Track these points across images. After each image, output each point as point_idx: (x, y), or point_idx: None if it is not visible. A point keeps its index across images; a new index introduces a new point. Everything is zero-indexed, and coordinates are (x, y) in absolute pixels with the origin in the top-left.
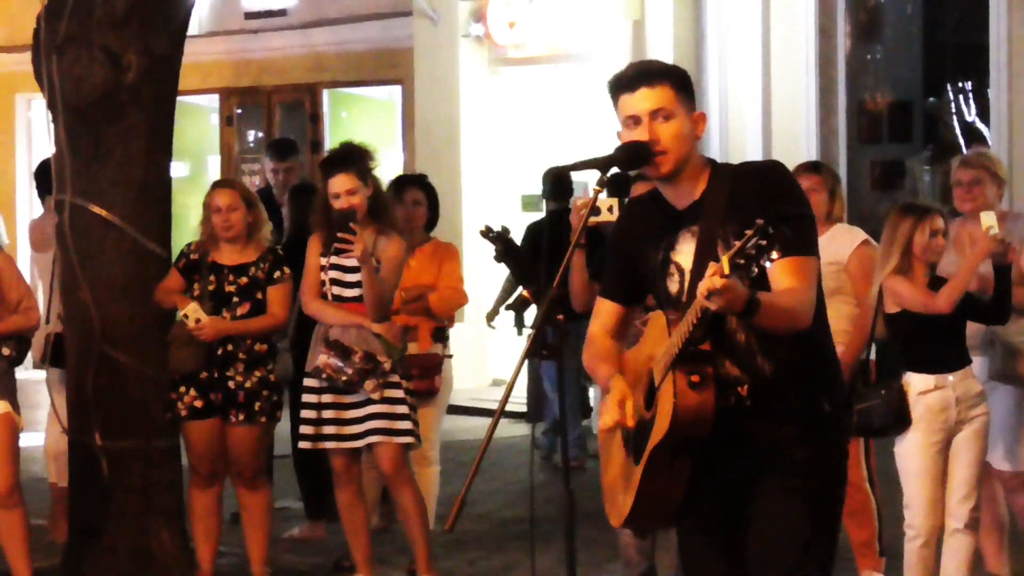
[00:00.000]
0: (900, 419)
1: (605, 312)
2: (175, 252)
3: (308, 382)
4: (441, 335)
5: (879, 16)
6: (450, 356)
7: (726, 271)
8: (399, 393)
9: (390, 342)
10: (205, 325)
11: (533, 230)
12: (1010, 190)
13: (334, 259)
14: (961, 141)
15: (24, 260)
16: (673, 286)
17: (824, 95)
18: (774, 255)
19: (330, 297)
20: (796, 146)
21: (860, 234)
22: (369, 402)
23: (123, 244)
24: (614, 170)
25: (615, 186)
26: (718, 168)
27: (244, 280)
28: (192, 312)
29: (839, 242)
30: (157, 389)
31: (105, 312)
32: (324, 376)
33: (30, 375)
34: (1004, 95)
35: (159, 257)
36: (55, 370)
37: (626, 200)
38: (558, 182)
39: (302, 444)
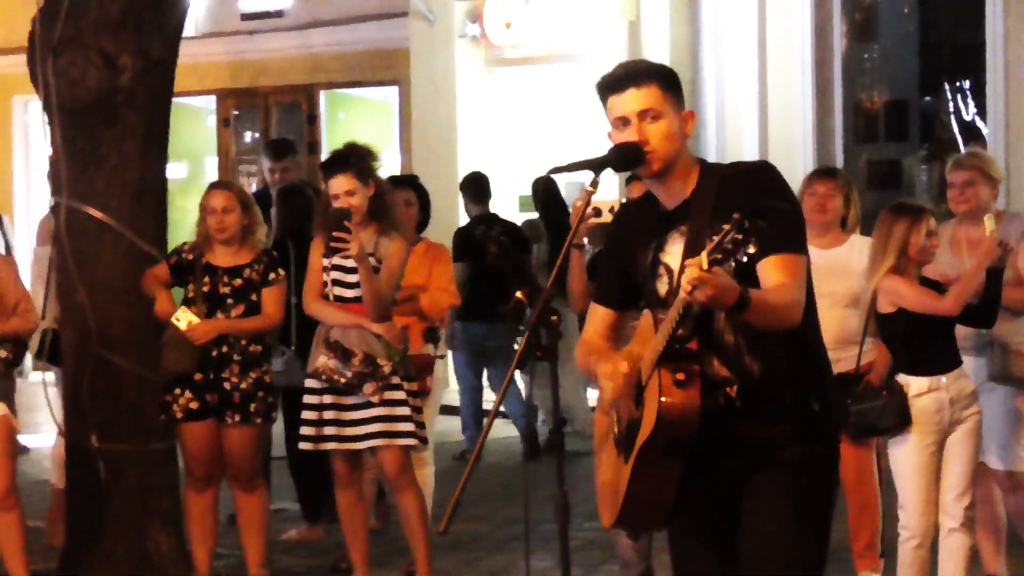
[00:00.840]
0: (904, 419)
1: (599, 317)
2: None
3: (309, 383)
4: (432, 336)
5: (875, 15)
6: (442, 356)
7: (704, 266)
8: (400, 395)
9: (390, 343)
10: (196, 327)
11: (461, 234)
12: (1007, 188)
13: (336, 260)
14: (959, 140)
15: (22, 262)
16: (662, 287)
17: (820, 95)
18: (751, 249)
19: (332, 298)
20: (793, 146)
21: (867, 239)
22: (370, 404)
23: (119, 246)
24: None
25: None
26: (707, 168)
27: (239, 282)
28: (183, 315)
29: (863, 252)
30: (153, 391)
31: (101, 315)
32: (324, 378)
33: (29, 377)
34: (1001, 93)
35: (155, 259)
36: (58, 370)
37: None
38: (477, 186)
39: (303, 445)
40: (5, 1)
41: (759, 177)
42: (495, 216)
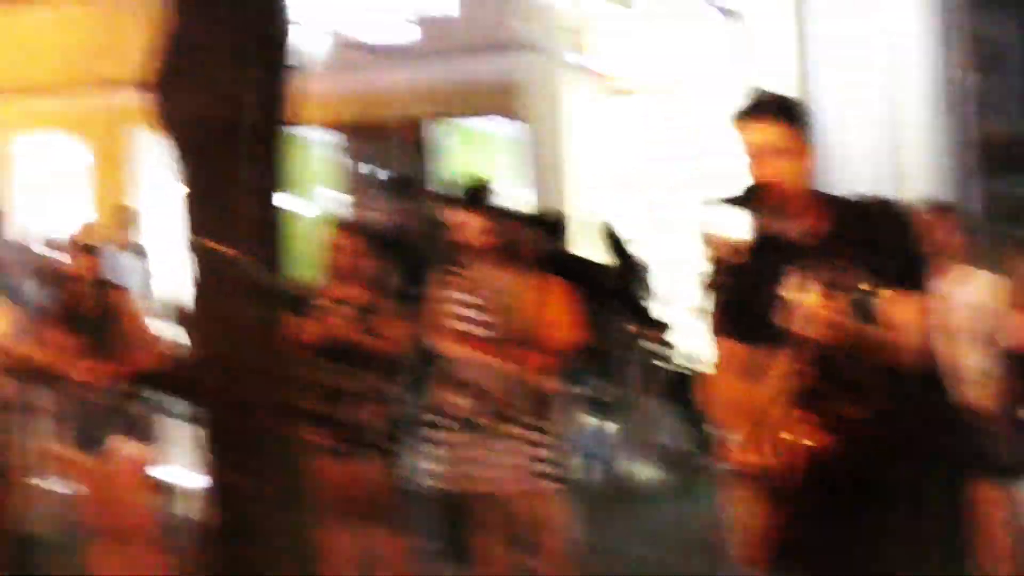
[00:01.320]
0: None
1: (726, 351)
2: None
3: (433, 419)
4: (555, 370)
5: (999, 48)
6: (566, 392)
7: (821, 301)
8: (531, 433)
9: (516, 379)
10: None
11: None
12: None
13: (457, 294)
14: None
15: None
16: (783, 321)
17: (946, 126)
18: (869, 286)
19: (453, 332)
20: (920, 179)
21: (990, 275)
22: (499, 442)
23: (243, 280)
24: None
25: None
26: (829, 201)
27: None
28: None
29: (976, 284)
30: (283, 425)
31: (228, 349)
32: (447, 414)
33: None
34: None
35: (279, 291)
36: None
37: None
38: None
39: (430, 483)
40: (122, 34)
41: (881, 213)
42: None
